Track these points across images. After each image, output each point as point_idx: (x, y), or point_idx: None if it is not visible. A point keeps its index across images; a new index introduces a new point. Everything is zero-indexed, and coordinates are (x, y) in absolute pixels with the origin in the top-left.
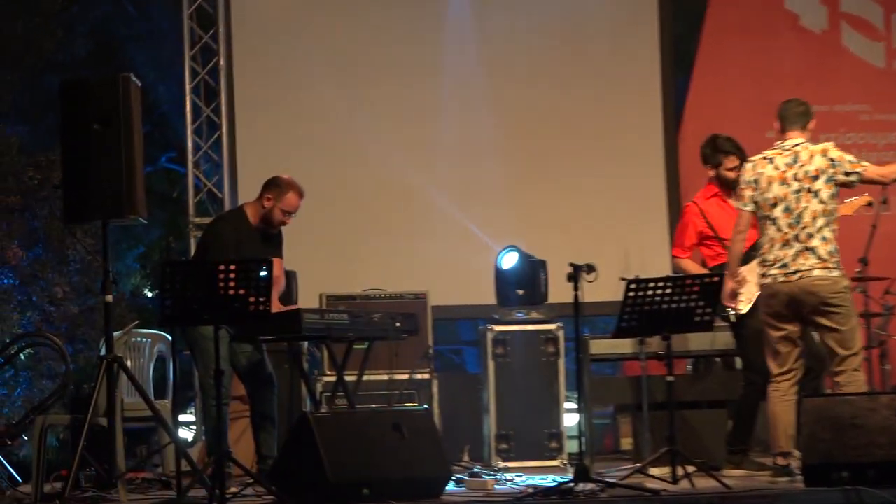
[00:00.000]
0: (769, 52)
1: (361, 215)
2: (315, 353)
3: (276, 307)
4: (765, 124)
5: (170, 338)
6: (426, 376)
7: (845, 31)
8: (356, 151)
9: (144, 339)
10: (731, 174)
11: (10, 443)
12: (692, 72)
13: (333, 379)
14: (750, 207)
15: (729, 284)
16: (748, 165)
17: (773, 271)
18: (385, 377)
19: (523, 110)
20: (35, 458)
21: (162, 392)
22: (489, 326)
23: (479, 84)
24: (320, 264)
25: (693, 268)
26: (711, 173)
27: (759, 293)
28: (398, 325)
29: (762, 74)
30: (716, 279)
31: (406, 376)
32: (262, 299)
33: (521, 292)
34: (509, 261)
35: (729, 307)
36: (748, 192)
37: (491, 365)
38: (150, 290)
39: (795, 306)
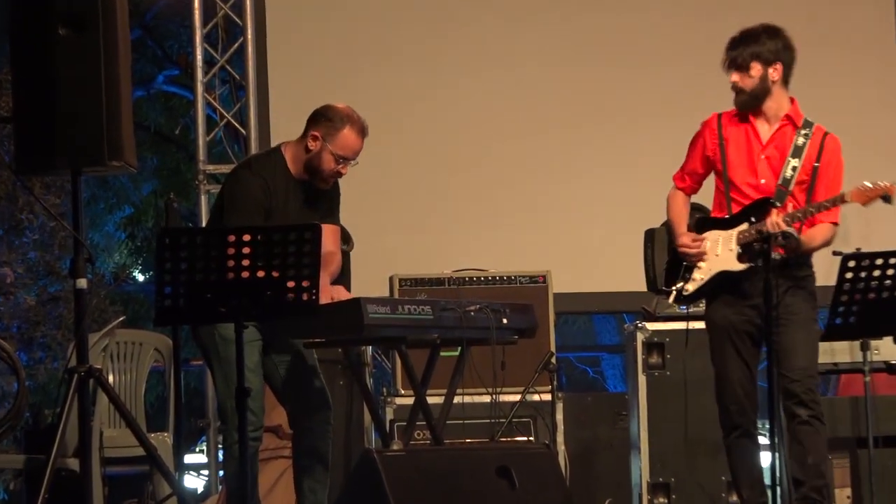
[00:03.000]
0: None
1: (449, 167)
2: (384, 364)
3: (328, 296)
4: None
5: (171, 341)
6: (547, 397)
7: None
8: (446, 78)
9: (134, 344)
10: (744, 82)
11: None
12: None
13: (410, 401)
14: None
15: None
16: None
17: None
18: (486, 398)
19: (688, 21)
20: None
21: (160, 420)
22: (639, 324)
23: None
24: (391, 235)
25: (677, 209)
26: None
27: (718, 272)
28: (506, 321)
29: None
30: None
31: (517, 397)
32: (306, 285)
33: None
34: None
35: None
36: None
37: (642, 381)
38: (142, 272)
39: None
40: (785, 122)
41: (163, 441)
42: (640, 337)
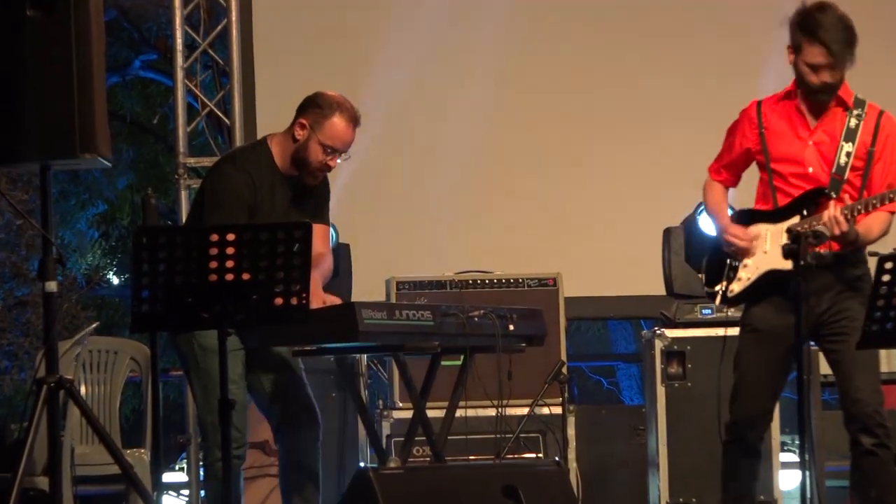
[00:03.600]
0: None
1: (450, 162)
2: (380, 374)
3: (319, 301)
4: None
5: (148, 350)
6: (558, 410)
7: None
8: (448, 69)
9: (109, 353)
10: (810, 76)
11: None
12: None
13: (409, 415)
14: None
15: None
16: None
17: None
18: (491, 412)
19: (706, 20)
20: None
21: (136, 436)
22: (658, 331)
23: None
24: (388, 234)
25: (716, 198)
26: (790, 59)
27: (767, 272)
28: (512, 327)
29: None
30: None
31: (525, 410)
32: (295, 288)
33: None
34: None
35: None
36: None
37: (661, 392)
38: (117, 274)
39: None
40: (833, 103)
41: (139, 458)
42: (658, 345)
